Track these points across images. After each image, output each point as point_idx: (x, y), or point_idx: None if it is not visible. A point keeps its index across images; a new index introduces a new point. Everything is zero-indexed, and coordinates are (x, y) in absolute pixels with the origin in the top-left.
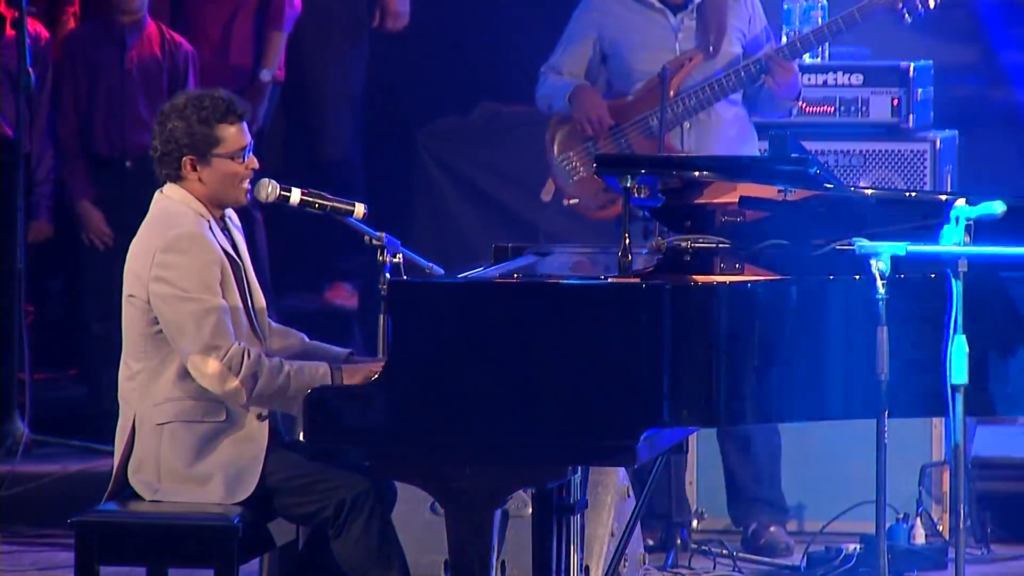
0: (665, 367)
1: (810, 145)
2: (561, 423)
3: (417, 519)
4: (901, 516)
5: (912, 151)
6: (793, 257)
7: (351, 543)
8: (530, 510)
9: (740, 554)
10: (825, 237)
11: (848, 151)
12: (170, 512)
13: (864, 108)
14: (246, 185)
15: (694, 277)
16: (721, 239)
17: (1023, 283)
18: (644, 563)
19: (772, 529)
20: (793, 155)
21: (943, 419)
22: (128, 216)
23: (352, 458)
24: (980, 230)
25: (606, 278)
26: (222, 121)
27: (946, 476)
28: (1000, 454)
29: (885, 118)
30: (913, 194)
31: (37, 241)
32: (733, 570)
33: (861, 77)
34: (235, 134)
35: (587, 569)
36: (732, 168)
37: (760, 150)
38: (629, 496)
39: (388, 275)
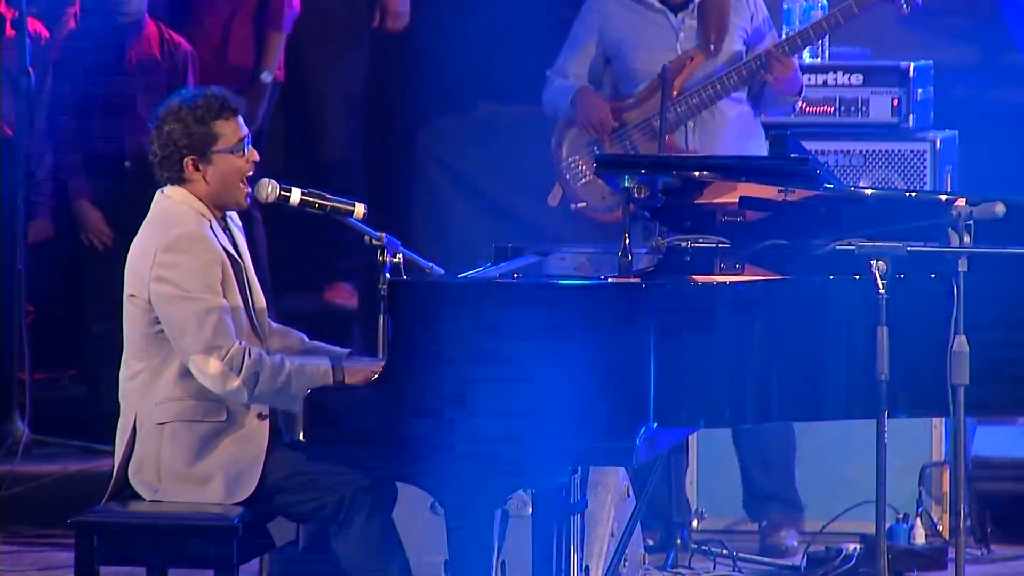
0: (665, 367)
1: (810, 145)
2: (561, 423)
3: (417, 519)
4: (901, 516)
5: (912, 151)
6: (793, 257)
7: (352, 540)
8: (530, 510)
9: (740, 554)
10: (825, 237)
11: (848, 151)
12: (170, 512)
13: (864, 108)
14: (246, 188)
15: (694, 277)
16: (721, 239)
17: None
18: (644, 563)
19: (781, 532)
20: (793, 155)
21: (943, 419)
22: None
23: (352, 458)
24: (980, 230)
25: (606, 278)
26: (218, 118)
27: (946, 476)
28: (1000, 454)
29: (885, 118)
30: (913, 194)
31: (37, 241)
32: (733, 570)
33: (861, 77)
34: (233, 128)
35: (587, 569)
36: (732, 168)
37: (766, 148)
38: (629, 496)
39: (388, 275)
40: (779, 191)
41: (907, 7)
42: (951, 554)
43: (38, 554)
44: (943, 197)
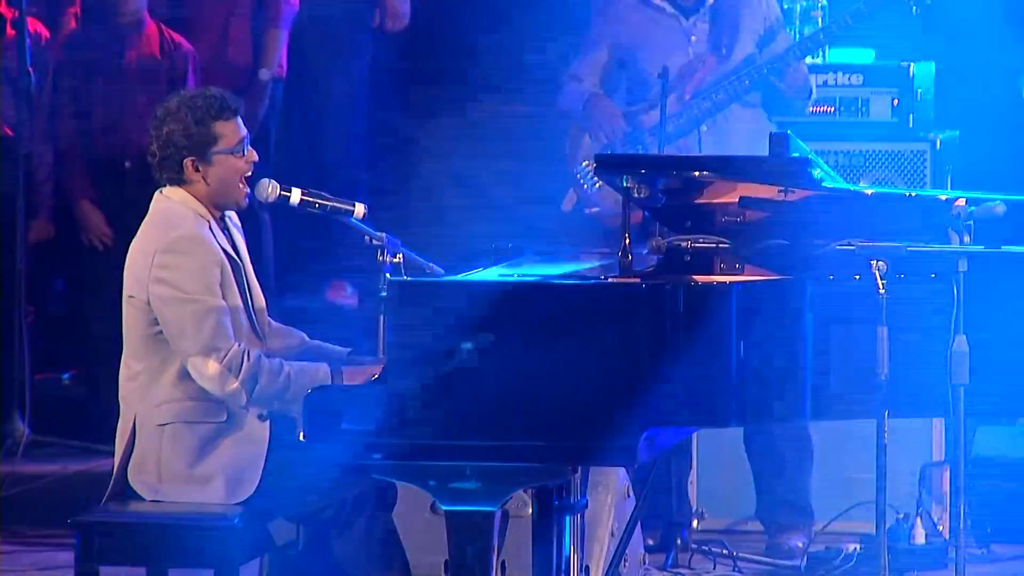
0: (665, 367)
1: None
2: (561, 423)
3: (417, 519)
4: (901, 516)
5: (912, 151)
6: (793, 257)
7: (352, 540)
8: (530, 510)
9: (740, 554)
10: (825, 237)
11: (848, 151)
12: (170, 512)
13: (864, 108)
14: (246, 188)
15: (694, 277)
16: (721, 239)
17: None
18: (644, 563)
19: (788, 535)
20: (793, 155)
21: (943, 419)
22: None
23: (352, 458)
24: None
25: (606, 278)
26: (217, 118)
27: (946, 476)
28: (1000, 454)
29: (885, 118)
30: (913, 194)
31: (37, 241)
32: (733, 570)
33: (861, 77)
34: (232, 129)
35: (587, 569)
36: (732, 168)
37: None
38: (629, 496)
39: (388, 275)
40: (779, 191)
41: (916, 8)
42: (951, 554)
43: (38, 554)
44: (943, 197)
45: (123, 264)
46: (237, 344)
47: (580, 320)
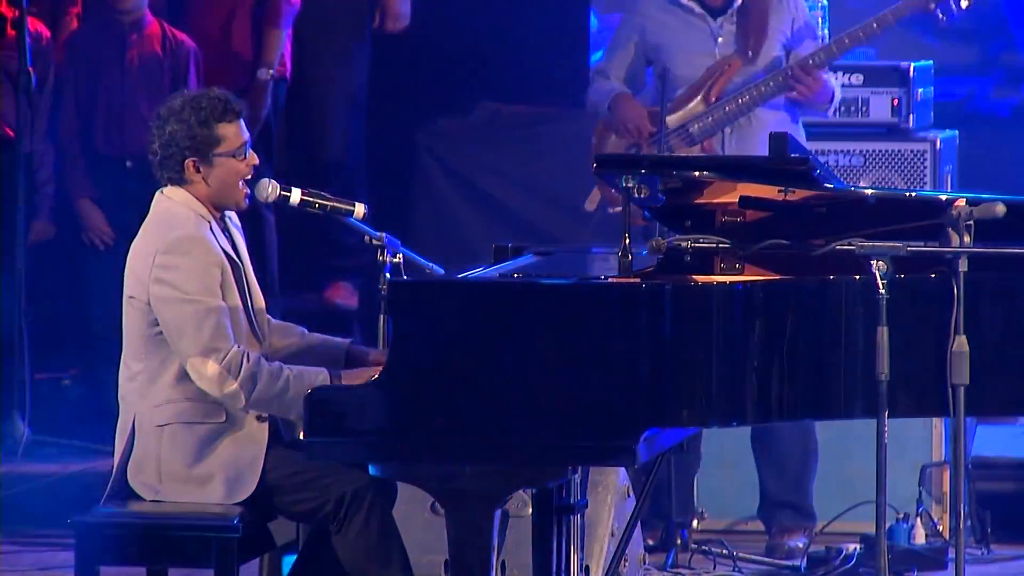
0: (665, 367)
1: (810, 145)
2: (561, 423)
3: (417, 519)
4: (901, 516)
5: (912, 151)
6: (793, 257)
7: (352, 538)
8: (530, 510)
9: (740, 554)
10: (825, 237)
11: (848, 151)
12: (170, 512)
13: (864, 108)
14: (246, 189)
15: (694, 277)
16: (721, 239)
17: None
18: (644, 563)
19: (788, 535)
20: (793, 155)
21: (943, 419)
22: (129, 216)
23: (352, 458)
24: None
25: (606, 278)
26: (221, 120)
27: (946, 476)
28: (1000, 454)
29: (885, 118)
30: (913, 194)
31: (37, 241)
32: (733, 570)
33: (861, 77)
34: (235, 132)
35: (587, 569)
36: (732, 168)
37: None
38: (629, 496)
39: (388, 275)
40: (779, 191)
41: (943, 16)
42: (951, 554)
43: (38, 554)
44: (943, 197)
45: (123, 264)
46: (237, 346)
47: (580, 320)
